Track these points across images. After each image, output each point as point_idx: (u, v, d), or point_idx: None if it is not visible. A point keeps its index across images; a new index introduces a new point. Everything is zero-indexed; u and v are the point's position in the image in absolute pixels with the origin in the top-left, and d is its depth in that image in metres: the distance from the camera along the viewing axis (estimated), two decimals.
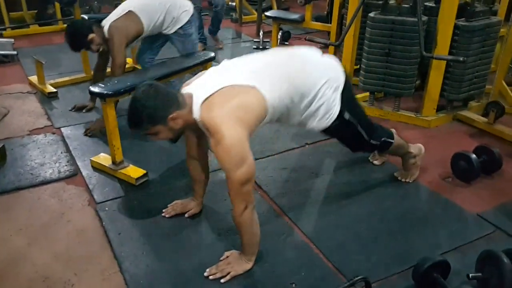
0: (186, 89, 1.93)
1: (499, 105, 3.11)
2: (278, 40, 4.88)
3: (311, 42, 3.34)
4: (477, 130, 3.21)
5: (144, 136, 1.92)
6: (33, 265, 2.02)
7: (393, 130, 2.72)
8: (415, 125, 3.31)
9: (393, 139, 2.41)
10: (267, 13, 4.60)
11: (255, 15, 5.84)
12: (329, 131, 2.15)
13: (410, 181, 2.60)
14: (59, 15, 5.70)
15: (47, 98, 3.72)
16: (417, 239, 2.16)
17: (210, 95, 1.80)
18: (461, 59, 2.89)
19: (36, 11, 5.93)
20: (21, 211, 2.38)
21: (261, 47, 5.17)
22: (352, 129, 2.21)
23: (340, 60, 3.70)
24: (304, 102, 2.00)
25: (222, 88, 1.81)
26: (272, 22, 4.60)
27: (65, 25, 5.51)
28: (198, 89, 1.87)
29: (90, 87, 2.58)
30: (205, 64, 3.07)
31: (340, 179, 2.66)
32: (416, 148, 2.60)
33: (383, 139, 2.37)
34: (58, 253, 2.09)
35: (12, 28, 5.44)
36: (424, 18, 3.16)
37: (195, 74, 2.13)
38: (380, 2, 3.25)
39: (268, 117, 1.92)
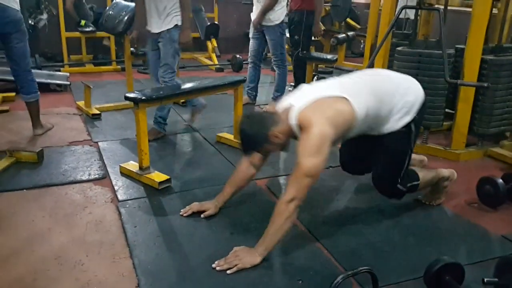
0: (286, 100, 2.11)
1: None
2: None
3: (339, 69, 3.43)
4: (510, 166, 3.08)
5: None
6: (50, 245, 2.09)
7: (423, 158, 2.71)
8: (444, 158, 3.25)
9: (418, 180, 2.38)
10: (301, 54, 4.55)
11: None
12: (385, 143, 2.24)
13: (434, 204, 2.53)
14: (113, 57, 6.17)
15: (90, 119, 3.95)
16: (435, 252, 2.07)
17: (307, 105, 1.98)
18: (485, 84, 2.88)
19: (93, 55, 6.45)
20: (47, 202, 2.49)
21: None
22: (402, 150, 2.26)
23: None
24: (389, 111, 2.16)
25: (317, 99, 2.00)
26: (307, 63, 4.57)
27: (118, 67, 6.07)
28: (296, 100, 2.05)
29: None
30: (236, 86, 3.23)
31: (360, 197, 2.66)
32: (449, 171, 2.54)
33: (409, 184, 2.34)
34: (74, 237, 2.16)
35: (70, 66, 5.90)
36: (451, 51, 3.22)
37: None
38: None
39: (357, 128, 2.08)
